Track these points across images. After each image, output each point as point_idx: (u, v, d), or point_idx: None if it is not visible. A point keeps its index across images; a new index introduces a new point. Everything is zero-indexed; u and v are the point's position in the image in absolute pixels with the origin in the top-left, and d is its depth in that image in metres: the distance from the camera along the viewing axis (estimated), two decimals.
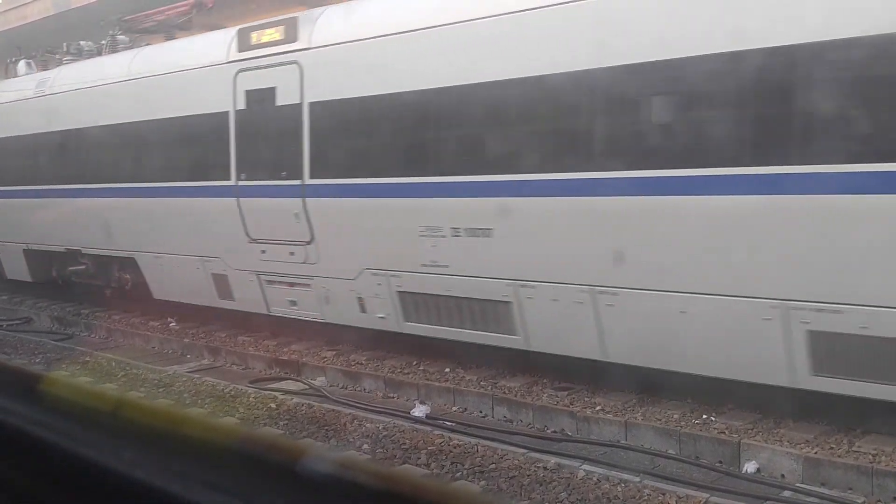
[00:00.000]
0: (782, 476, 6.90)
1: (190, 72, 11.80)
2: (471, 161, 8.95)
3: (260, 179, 10.91)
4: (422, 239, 9.10)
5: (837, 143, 6.60)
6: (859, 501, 6.39)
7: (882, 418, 7.17)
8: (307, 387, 10.17)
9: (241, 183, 11.11)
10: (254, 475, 0.82)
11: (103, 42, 15.35)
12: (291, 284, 10.99)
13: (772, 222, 6.82)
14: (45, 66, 16.18)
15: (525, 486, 6.69)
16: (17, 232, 15.66)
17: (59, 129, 14.10)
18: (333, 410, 8.80)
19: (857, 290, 6.50)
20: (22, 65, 16.59)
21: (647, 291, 7.62)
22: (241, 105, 11.01)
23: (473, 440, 7.69)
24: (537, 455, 7.25)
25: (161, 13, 14.63)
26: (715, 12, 7.18)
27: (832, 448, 6.97)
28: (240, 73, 11.00)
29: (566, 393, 8.82)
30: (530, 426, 8.50)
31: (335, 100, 9.95)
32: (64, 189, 14.15)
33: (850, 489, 6.54)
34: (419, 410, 8.84)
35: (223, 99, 11.14)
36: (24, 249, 15.68)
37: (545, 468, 6.92)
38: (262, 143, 10.91)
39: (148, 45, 14.31)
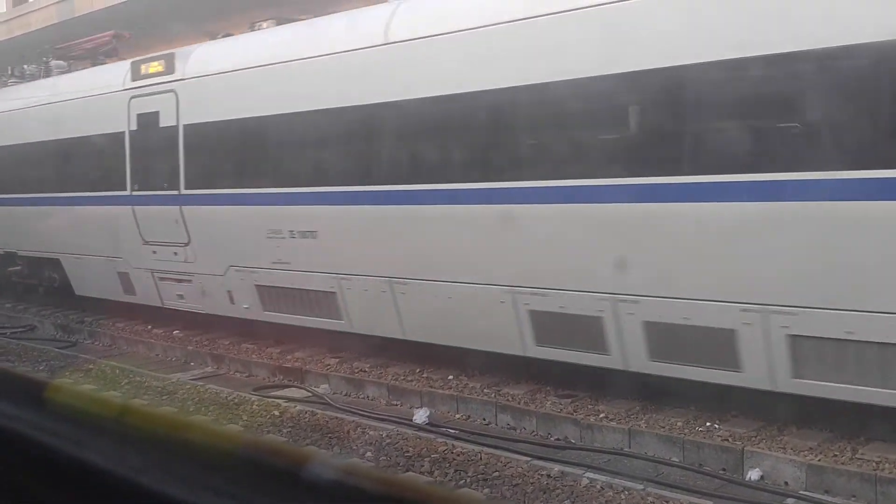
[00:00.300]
0: (786, 483, 6.88)
1: (96, 97, 13.77)
2: (297, 174, 10.73)
3: (149, 190, 12.82)
4: (269, 240, 10.87)
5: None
6: None
7: (886, 426, 7.17)
8: (310, 394, 10.16)
9: (134, 193, 13.04)
10: (258, 481, 0.82)
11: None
12: (178, 280, 12.75)
13: (497, 227, 8.66)
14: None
15: (528, 494, 6.68)
16: None
17: None
18: (337, 418, 8.79)
19: (557, 278, 8.32)
20: None
21: (426, 281, 9.44)
22: (134, 126, 12.92)
23: (477, 448, 7.68)
24: (541, 463, 7.24)
25: (88, 42, 16.30)
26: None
27: (836, 455, 6.95)
28: (132, 99, 12.91)
29: (570, 400, 8.81)
30: (534, 434, 8.49)
31: (202, 122, 11.79)
32: (2, 198, 16.23)
33: (854, 497, 6.52)
34: (420, 416, 8.84)
35: (120, 121, 13.05)
36: None
37: (549, 476, 6.90)
38: (149, 159, 12.83)
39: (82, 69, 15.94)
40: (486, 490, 6.77)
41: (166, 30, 20.09)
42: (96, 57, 15.91)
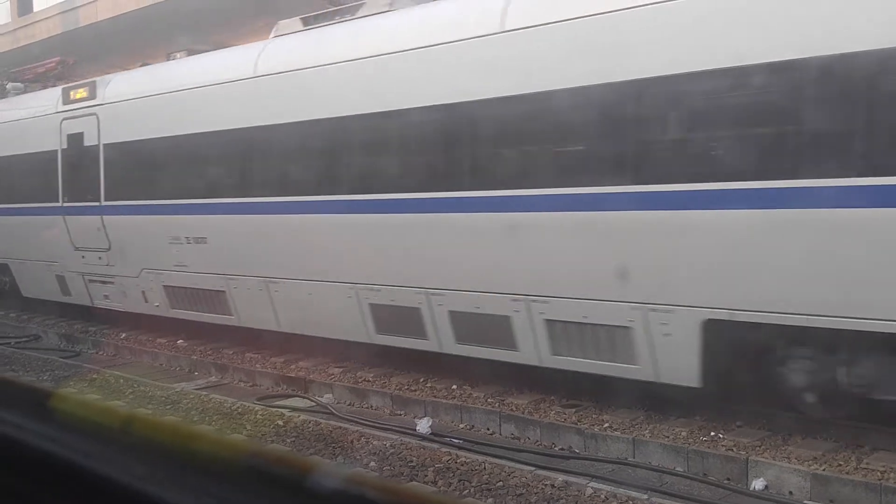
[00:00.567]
0: (790, 493, 6.86)
1: (36, 119, 15.45)
2: (190, 188, 12.25)
3: (77, 201, 14.40)
4: (171, 245, 12.46)
5: None
6: None
7: (891, 436, 7.16)
8: (314, 404, 10.16)
9: (65, 204, 14.68)
10: (263, 490, 0.83)
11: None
12: (103, 282, 14.38)
13: (342, 233, 10.24)
14: None
15: None
16: None
17: None
18: (340, 427, 8.78)
19: (386, 276, 9.86)
20: None
21: (293, 280, 10.93)
22: (65, 145, 14.62)
23: (481, 457, 7.66)
24: (545, 472, 7.22)
25: (38, 67, 17.82)
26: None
27: (840, 465, 6.93)
28: (63, 121, 14.60)
29: (574, 410, 8.80)
30: (538, 443, 8.47)
31: (118, 142, 13.47)
32: None
33: None
34: (422, 425, 8.83)
35: (54, 140, 14.76)
36: None
37: (553, 486, 6.88)
38: (77, 174, 14.37)
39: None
40: (490, 500, 6.75)
41: (171, 40, 20.18)
42: (48, 79, 17.26)
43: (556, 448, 8.29)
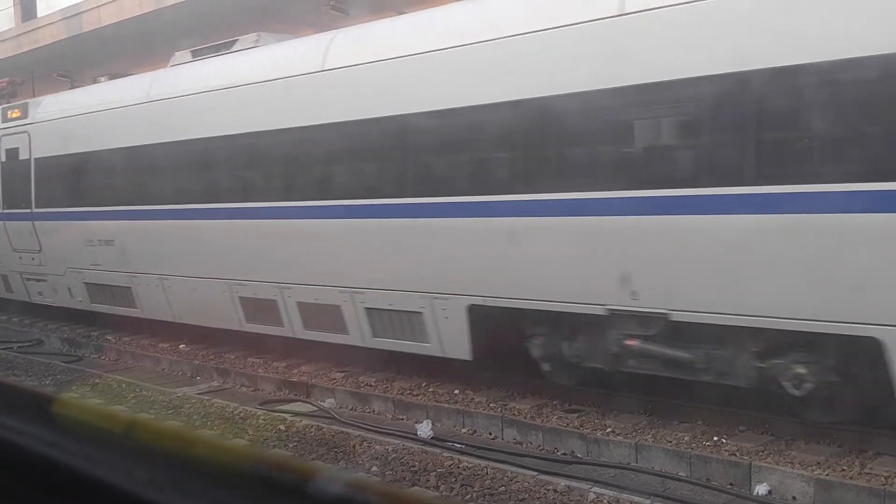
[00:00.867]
0: (794, 498, 6.84)
1: None
2: (100, 196, 14.11)
3: (13, 208, 16.29)
4: (88, 247, 14.30)
5: None
6: None
7: (895, 441, 7.14)
8: (316, 408, 10.15)
9: (5, 211, 16.56)
10: (265, 495, 0.82)
11: None
12: (38, 280, 16.14)
13: (218, 236, 11.82)
14: None
15: None
16: None
17: None
18: (342, 432, 8.77)
19: (250, 272, 11.52)
20: None
21: (181, 277, 12.63)
22: (4, 158, 16.58)
23: (483, 462, 7.65)
24: (547, 477, 7.21)
25: None
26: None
27: (844, 470, 6.91)
28: (2, 137, 16.53)
29: (576, 415, 8.79)
30: (540, 448, 8.46)
31: (45, 156, 15.33)
32: None
33: None
34: (423, 429, 8.83)
35: None
36: None
37: (555, 491, 6.87)
38: (14, 184, 16.21)
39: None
40: None
41: (173, 45, 20.24)
42: (2, 97, 18.66)
43: (558, 453, 8.28)
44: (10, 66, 26.91)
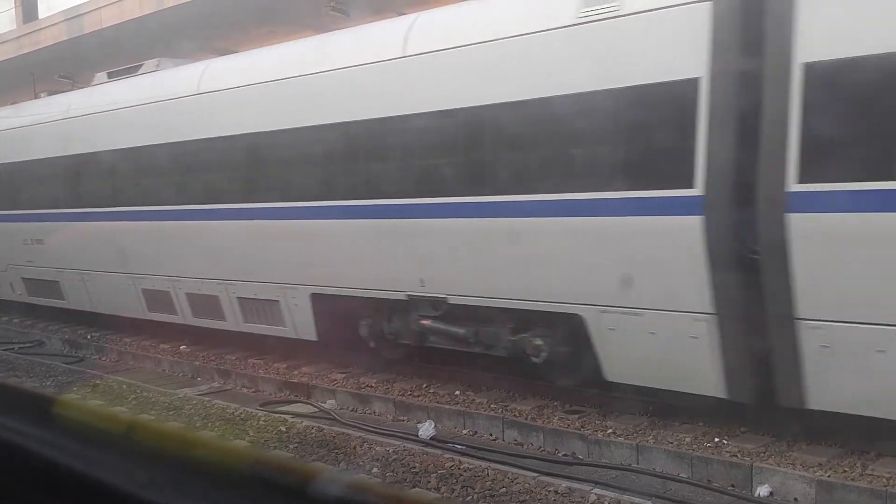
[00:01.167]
0: (795, 500, 6.84)
1: None
2: (32, 201, 16.05)
3: None
4: (24, 246, 16.20)
5: None
6: None
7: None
8: (317, 409, 10.15)
9: None
10: (266, 497, 0.82)
11: None
12: None
13: (123, 236, 13.61)
14: None
15: None
16: None
17: None
18: (343, 433, 8.76)
19: (149, 267, 13.32)
20: None
21: (96, 272, 14.51)
22: None
23: (484, 463, 7.64)
24: (548, 479, 7.20)
25: None
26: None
27: (845, 471, 6.91)
28: None
29: (577, 416, 8.78)
30: (541, 449, 8.46)
31: None
32: None
33: None
34: (425, 429, 8.83)
35: None
36: None
37: (556, 492, 6.87)
38: None
39: None
40: None
41: (175, 47, 20.27)
42: None
43: (559, 454, 8.27)
44: (12, 67, 26.95)
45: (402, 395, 10.13)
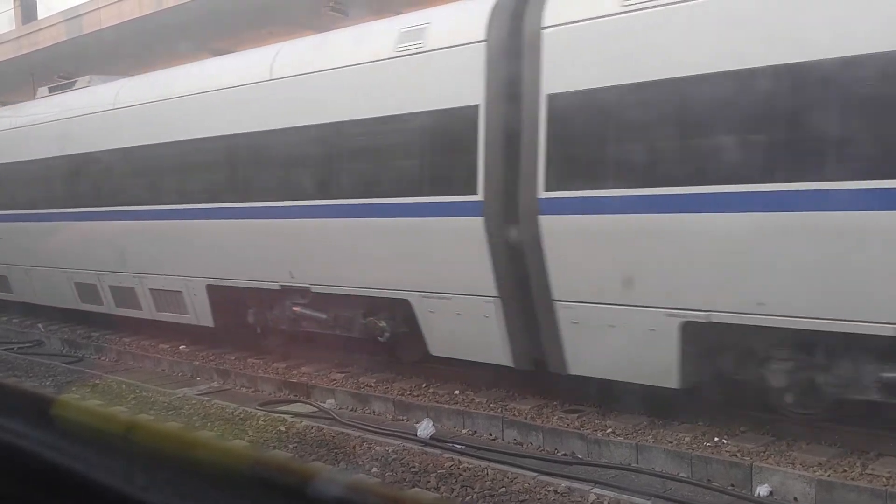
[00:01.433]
0: (795, 499, 6.84)
1: None
2: None
3: None
4: None
5: None
6: None
7: None
8: (316, 409, 10.15)
9: None
10: (266, 497, 0.82)
11: None
12: None
13: (48, 236, 15.38)
14: None
15: None
16: None
17: None
18: (342, 433, 8.76)
19: (78, 263, 15.05)
20: None
21: (30, 267, 16.37)
22: None
23: (483, 463, 7.64)
24: (548, 478, 7.20)
25: None
26: None
27: (845, 471, 6.91)
28: None
29: (576, 415, 8.78)
30: (541, 449, 8.46)
31: None
32: None
33: None
34: (423, 429, 8.83)
35: None
36: None
37: (556, 491, 6.87)
38: None
39: None
40: None
41: (173, 47, 20.28)
42: None
43: (558, 454, 8.28)
44: (11, 67, 26.94)
45: (402, 394, 10.13)
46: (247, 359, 12.50)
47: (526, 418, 8.87)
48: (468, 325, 9.29)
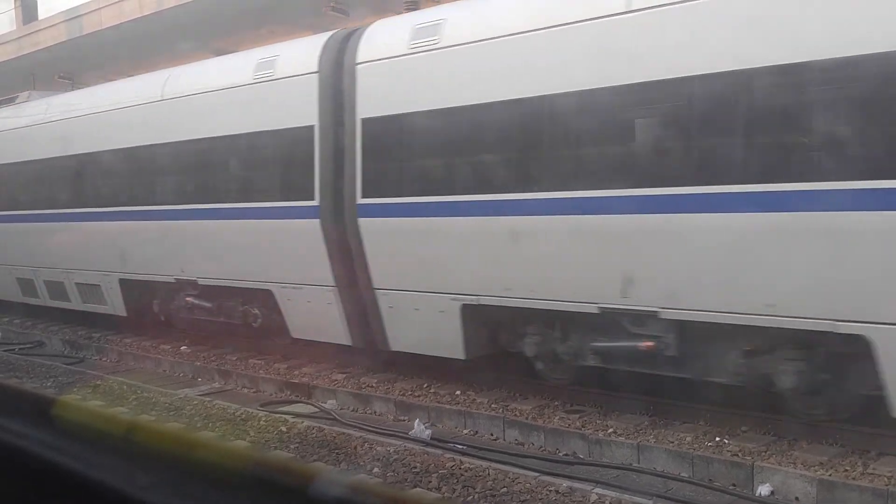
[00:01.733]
0: (796, 499, 6.83)
1: None
2: None
3: None
4: None
5: None
6: None
7: None
8: (318, 410, 10.15)
9: None
10: (267, 498, 0.82)
11: None
12: None
13: (10, 236, 16.67)
14: None
15: None
16: None
17: None
18: (344, 433, 8.76)
19: (20, 260, 16.59)
20: None
21: None
22: None
23: (485, 463, 7.64)
24: (549, 478, 7.20)
25: None
26: None
27: (846, 470, 6.90)
28: None
29: (578, 416, 8.78)
30: (542, 449, 8.46)
31: None
32: None
33: None
34: (417, 430, 8.83)
35: None
36: None
37: (557, 491, 6.86)
38: None
39: None
40: None
41: (174, 48, 20.28)
42: None
43: (560, 454, 8.27)
44: (11, 68, 26.95)
45: (403, 395, 10.13)
46: (248, 359, 12.50)
47: (527, 418, 8.87)
48: (316, 311, 10.98)
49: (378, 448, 8.21)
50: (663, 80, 7.47)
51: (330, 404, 10.31)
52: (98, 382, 11.84)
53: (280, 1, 19.39)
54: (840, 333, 6.72)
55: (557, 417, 8.83)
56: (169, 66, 15.49)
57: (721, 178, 7.24)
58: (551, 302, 8.58)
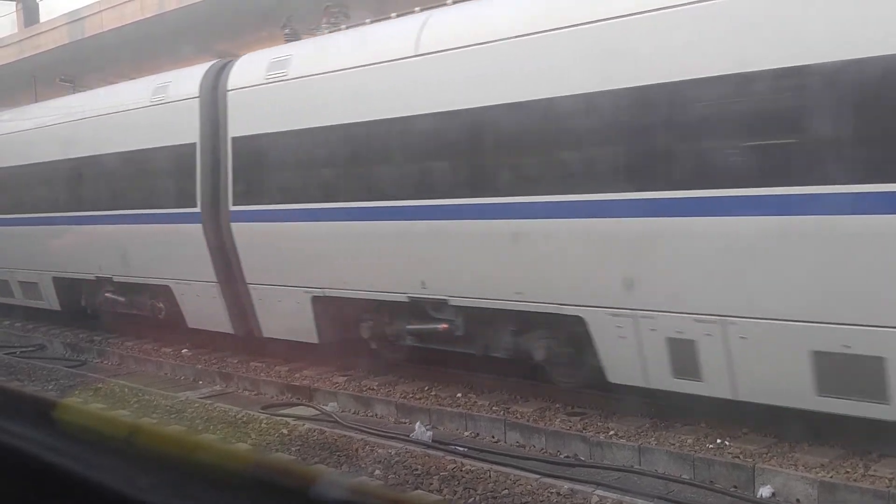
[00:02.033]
0: (797, 501, 6.83)
1: None
2: None
3: None
4: None
5: None
6: None
7: None
8: (319, 412, 10.14)
9: None
10: (267, 500, 0.82)
11: None
12: None
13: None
14: None
15: None
16: None
17: None
18: (345, 436, 8.75)
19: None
20: None
21: None
22: None
23: (486, 465, 7.63)
24: (550, 480, 7.19)
25: None
26: None
27: (848, 472, 6.90)
28: None
29: (579, 418, 8.78)
30: (543, 451, 8.45)
31: None
32: None
33: None
34: (417, 433, 8.83)
35: None
36: None
37: (558, 494, 6.86)
38: None
39: None
40: None
41: (175, 50, 20.29)
42: None
43: (561, 456, 8.27)
44: (13, 70, 26.98)
45: (404, 397, 10.13)
46: (249, 362, 12.50)
47: (528, 421, 8.87)
48: (205, 304, 12.66)
49: (379, 450, 8.20)
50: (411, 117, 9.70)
51: (331, 407, 10.31)
52: (100, 385, 11.84)
53: (280, 4, 19.39)
54: (566, 315, 8.41)
55: (558, 420, 8.83)
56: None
57: (460, 191, 9.24)
58: (376, 293, 10.37)
